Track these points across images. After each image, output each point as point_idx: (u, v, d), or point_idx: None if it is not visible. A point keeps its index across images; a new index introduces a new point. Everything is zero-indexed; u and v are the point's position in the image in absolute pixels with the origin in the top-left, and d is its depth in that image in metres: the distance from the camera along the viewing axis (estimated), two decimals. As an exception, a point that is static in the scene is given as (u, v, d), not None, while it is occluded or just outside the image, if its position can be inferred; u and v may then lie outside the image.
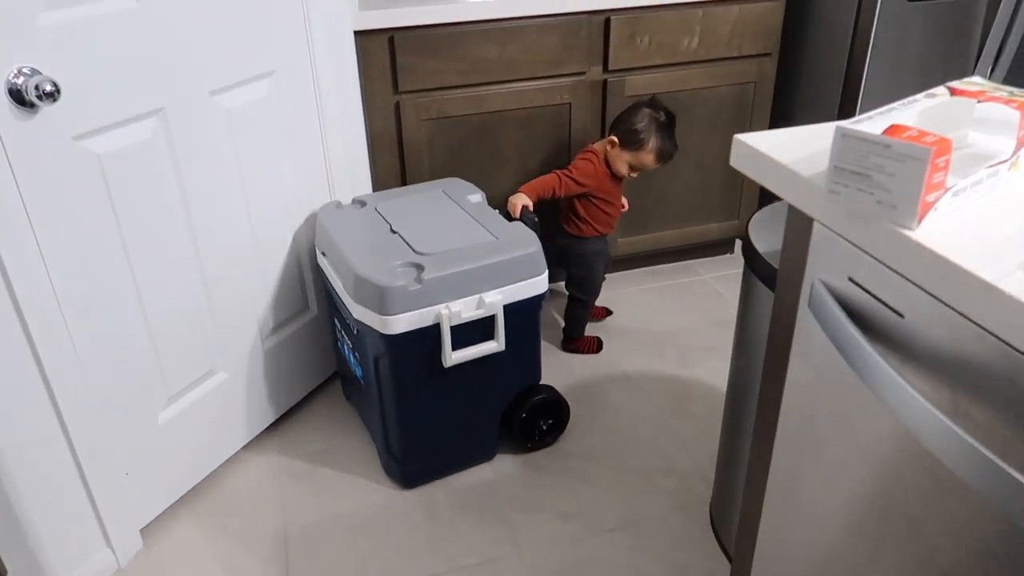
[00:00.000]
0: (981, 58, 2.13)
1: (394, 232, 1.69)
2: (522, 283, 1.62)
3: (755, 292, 1.37)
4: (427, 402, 1.66)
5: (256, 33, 1.62)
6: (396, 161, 2.08)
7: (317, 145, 1.86)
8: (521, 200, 1.90)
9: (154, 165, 1.48)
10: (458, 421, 1.72)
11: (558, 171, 1.98)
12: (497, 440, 1.81)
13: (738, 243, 2.64)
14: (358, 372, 1.76)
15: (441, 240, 1.64)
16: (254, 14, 1.61)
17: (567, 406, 1.86)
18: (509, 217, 1.85)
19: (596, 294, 2.16)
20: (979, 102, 0.85)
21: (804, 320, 0.94)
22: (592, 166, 1.99)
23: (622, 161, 1.98)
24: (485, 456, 1.82)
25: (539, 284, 1.65)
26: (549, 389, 1.82)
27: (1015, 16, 2.07)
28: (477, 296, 1.57)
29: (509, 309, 1.62)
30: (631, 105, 2.02)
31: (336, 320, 1.84)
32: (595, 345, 2.20)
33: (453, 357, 1.59)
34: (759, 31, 2.19)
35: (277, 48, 1.68)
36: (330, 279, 1.74)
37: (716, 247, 2.58)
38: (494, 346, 1.64)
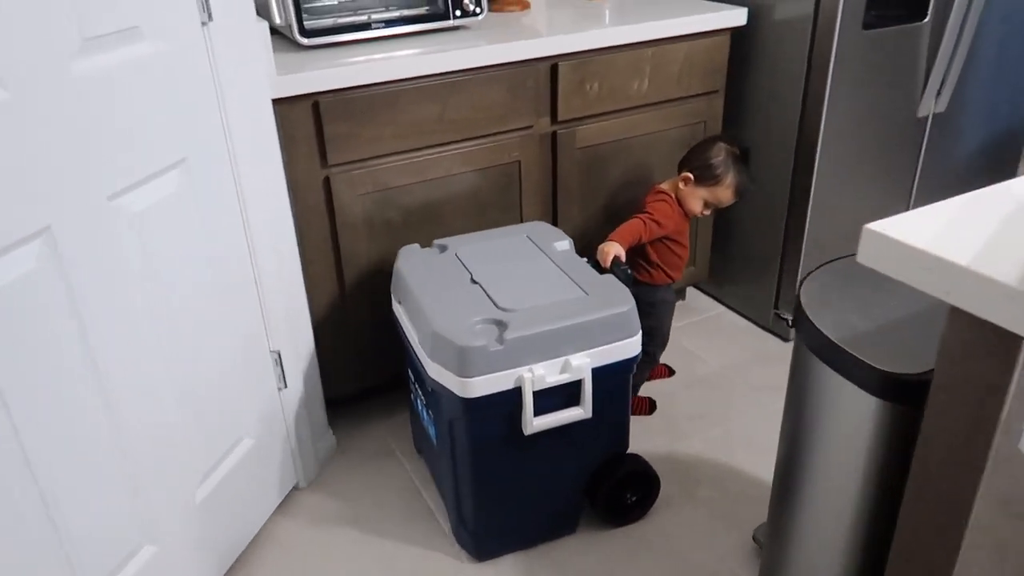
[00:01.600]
0: (928, 83, 2.08)
1: (475, 282, 1.56)
2: (613, 345, 1.47)
3: (826, 384, 1.17)
4: (505, 470, 1.53)
5: (160, 114, 1.28)
6: (329, 243, 1.77)
7: (240, 241, 1.52)
8: (614, 249, 1.73)
9: (42, 301, 1.11)
10: (538, 491, 1.58)
11: (639, 215, 1.83)
12: (579, 513, 1.67)
13: (688, 290, 2.48)
14: (431, 431, 1.63)
15: (526, 294, 1.50)
16: (156, 91, 1.27)
17: (657, 479, 1.70)
18: (598, 266, 1.68)
19: (665, 346, 1.99)
20: None
21: (1004, 462, 0.74)
22: (668, 207, 1.86)
23: (697, 198, 1.86)
24: (567, 529, 1.67)
25: (632, 346, 1.50)
26: (637, 459, 1.67)
27: (958, 44, 2.03)
28: (563, 359, 1.43)
29: (597, 373, 1.47)
30: (704, 139, 1.92)
31: (410, 371, 1.70)
32: (647, 407, 2.03)
33: (535, 424, 1.45)
34: (707, 68, 2.04)
35: (185, 128, 1.35)
36: (405, 330, 1.61)
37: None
38: (580, 413, 1.49)
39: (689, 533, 1.68)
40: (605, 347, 1.46)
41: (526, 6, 2.15)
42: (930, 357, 1.04)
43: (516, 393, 1.42)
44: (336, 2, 1.73)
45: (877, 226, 0.79)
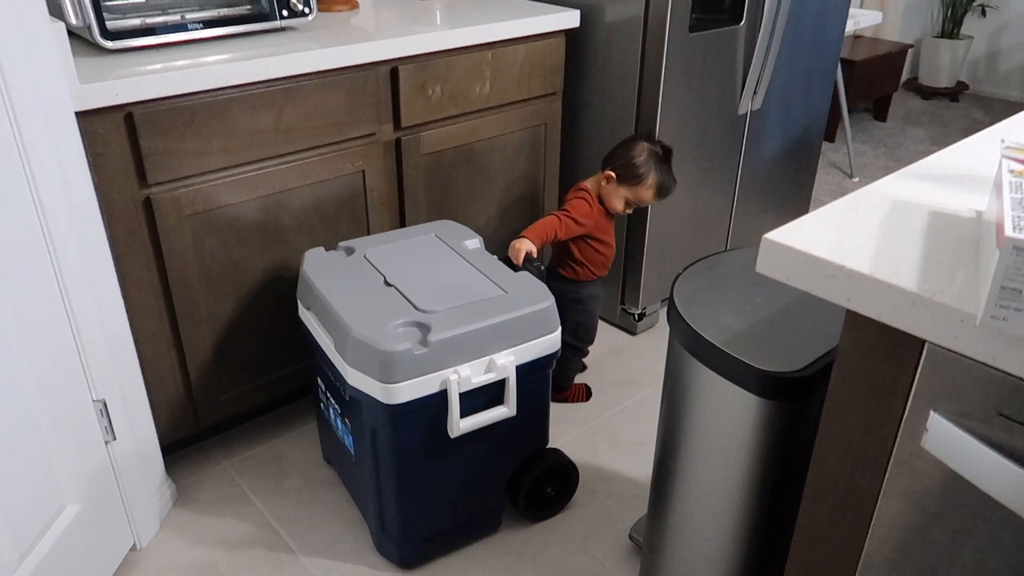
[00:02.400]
0: (746, 82, 2.20)
1: (389, 285, 1.49)
2: (535, 342, 1.46)
3: (700, 379, 1.18)
4: (429, 475, 1.47)
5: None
6: (154, 272, 1.57)
7: (48, 280, 1.30)
8: (525, 246, 1.70)
9: None
10: (462, 493, 1.54)
11: (556, 212, 1.81)
12: (502, 511, 1.64)
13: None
14: (347, 441, 1.55)
15: (444, 295, 1.45)
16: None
17: (576, 471, 1.71)
18: (510, 263, 1.65)
19: (592, 340, 2.03)
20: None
21: (908, 460, 0.76)
22: (587, 205, 1.83)
23: (619, 197, 1.84)
24: (489, 529, 1.64)
25: (552, 342, 1.49)
26: (557, 453, 1.67)
27: (769, 46, 2.17)
28: (488, 358, 1.40)
29: (520, 370, 1.45)
30: (626, 138, 1.89)
31: (320, 380, 1.61)
32: (583, 393, 2.06)
33: (461, 426, 1.41)
34: (545, 70, 2.04)
35: (-31, 153, 1.12)
36: (316, 337, 1.51)
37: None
38: (505, 411, 1.47)
39: (565, 537, 1.67)
40: (527, 344, 1.45)
41: (354, 6, 2.04)
42: (806, 354, 1.09)
43: (441, 396, 1.39)
44: (143, 0, 1.53)
45: (776, 236, 0.79)
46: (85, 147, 1.38)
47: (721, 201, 2.35)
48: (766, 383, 1.07)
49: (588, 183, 1.88)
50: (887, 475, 0.78)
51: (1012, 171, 0.72)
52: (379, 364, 1.33)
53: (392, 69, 1.76)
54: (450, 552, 1.61)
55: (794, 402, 1.08)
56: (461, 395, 1.39)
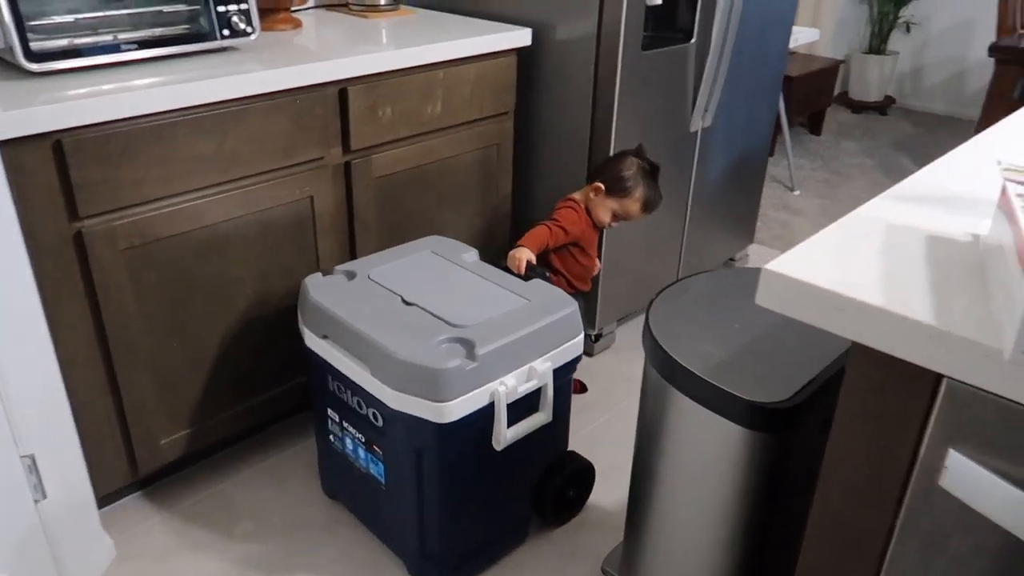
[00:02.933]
0: (697, 100, 2.19)
1: (409, 304, 1.47)
2: (565, 346, 1.48)
3: (681, 409, 1.14)
4: (472, 490, 1.47)
5: None
6: (87, 313, 1.45)
7: (-32, 324, 1.18)
8: (525, 254, 1.72)
9: None
10: (498, 504, 1.54)
11: (545, 222, 1.84)
12: (530, 519, 1.64)
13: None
14: (376, 470, 1.50)
15: (470, 309, 1.45)
16: None
17: (593, 470, 1.73)
18: (511, 273, 1.66)
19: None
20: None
21: (924, 499, 0.73)
22: (575, 213, 1.86)
23: (606, 209, 1.87)
24: (518, 539, 1.64)
25: (578, 345, 1.52)
26: (576, 456, 1.68)
27: (719, 64, 2.17)
28: (527, 367, 1.42)
29: (554, 375, 1.47)
30: (616, 153, 1.93)
31: (333, 413, 1.56)
32: (579, 386, 2.06)
33: (507, 436, 1.41)
34: (497, 89, 1.99)
35: None
36: (335, 365, 1.47)
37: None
38: (543, 418, 1.48)
39: (534, 570, 1.60)
40: (559, 349, 1.47)
41: (298, 24, 1.95)
42: (791, 381, 1.05)
43: (487, 409, 1.38)
44: (72, 19, 1.42)
45: (777, 267, 0.75)
46: (8, 179, 1.26)
47: (674, 218, 2.34)
48: (754, 414, 1.03)
49: (577, 195, 1.91)
50: (902, 515, 0.75)
51: (1021, 195, 0.70)
52: (430, 383, 1.31)
53: (341, 90, 1.68)
54: (488, 567, 1.60)
55: (781, 432, 1.05)
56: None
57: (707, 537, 1.20)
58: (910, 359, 0.68)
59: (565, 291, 1.83)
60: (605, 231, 2.03)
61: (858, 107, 4.86)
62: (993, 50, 2.90)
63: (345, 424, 1.54)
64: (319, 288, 1.52)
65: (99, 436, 1.54)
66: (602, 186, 1.85)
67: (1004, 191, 0.72)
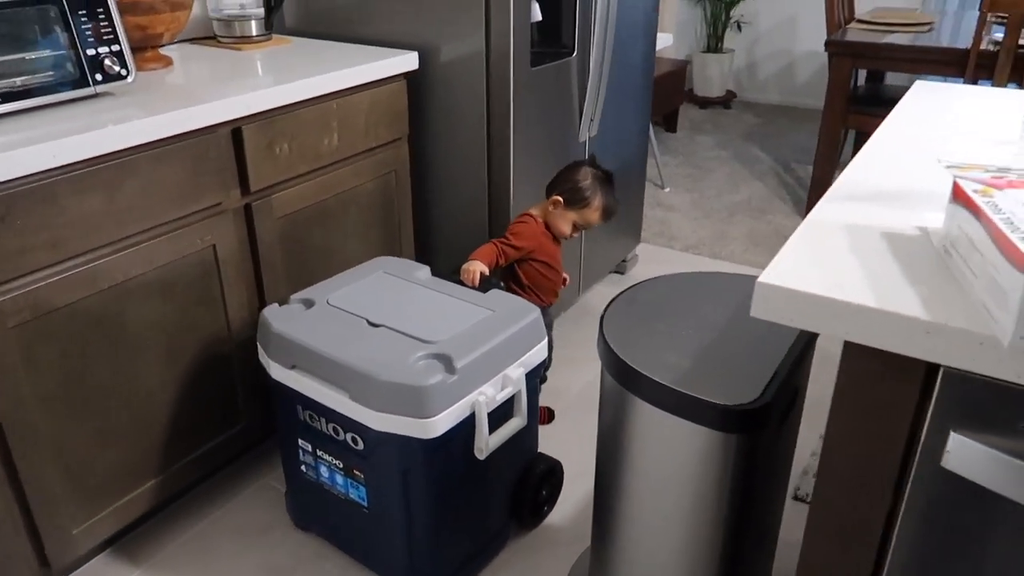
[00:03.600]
0: (584, 111, 2.24)
1: (376, 325, 1.47)
2: (532, 351, 1.52)
3: (648, 419, 1.16)
4: (458, 503, 1.49)
5: None
6: (-25, 403, 1.28)
7: None
8: (477, 267, 1.74)
9: None
10: (480, 514, 1.57)
11: (494, 240, 1.85)
12: (510, 525, 1.67)
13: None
14: (357, 495, 1.50)
15: (437, 324, 1.46)
16: None
17: (561, 467, 1.77)
18: (464, 286, 1.68)
19: (548, 366, 1.88)
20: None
21: (928, 481, 0.77)
22: (529, 227, 1.89)
23: (566, 220, 1.90)
24: (499, 545, 1.66)
25: (542, 349, 1.57)
26: (544, 456, 1.72)
27: (601, 75, 2.23)
28: (501, 375, 1.45)
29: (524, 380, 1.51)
30: (569, 164, 1.95)
31: (305, 443, 1.55)
32: (546, 416, 2.06)
33: (490, 444, 1.44)
34: (390, 116, 1.94)
35: None
36: (308, 395, 1.45)
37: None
38: (519, 422, 1.52)
39: (522, 573, 1.59)
40: (527, 355, 1.51)
41: (168, 62, 1.82)
42: (756, 380, 1.09)
43: (468, 421, 1.41)
44: (-76, 75, 1.25)
45: (770, 279, 0.77)
46: None
47: (572, 228, 2.38)
48: (727, 417, 1.06)
49: (534, 209, 1.94)
50: (905, 499, 0.79)
51: (978, 191, 0.76)
52: (414, 401, 1.32)
53: (234, 130, 1.58)
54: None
55: (752, 432, 1.09)
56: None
57: (679, 542, 1.22)
58: (910, 354, 0.72)
59: (538, 305, 1.90)
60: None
61: (704, 103, 5.16)
62: (826, 45, 3.16)
63: (319, 452, 1.53)
64: (280, 318, 1.50)
65: (2, 539, 1.36)
66: (560, 199, 1.88)
67: (960, 189, 0.78)
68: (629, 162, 2.64)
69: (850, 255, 0.83)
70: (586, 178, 1.89)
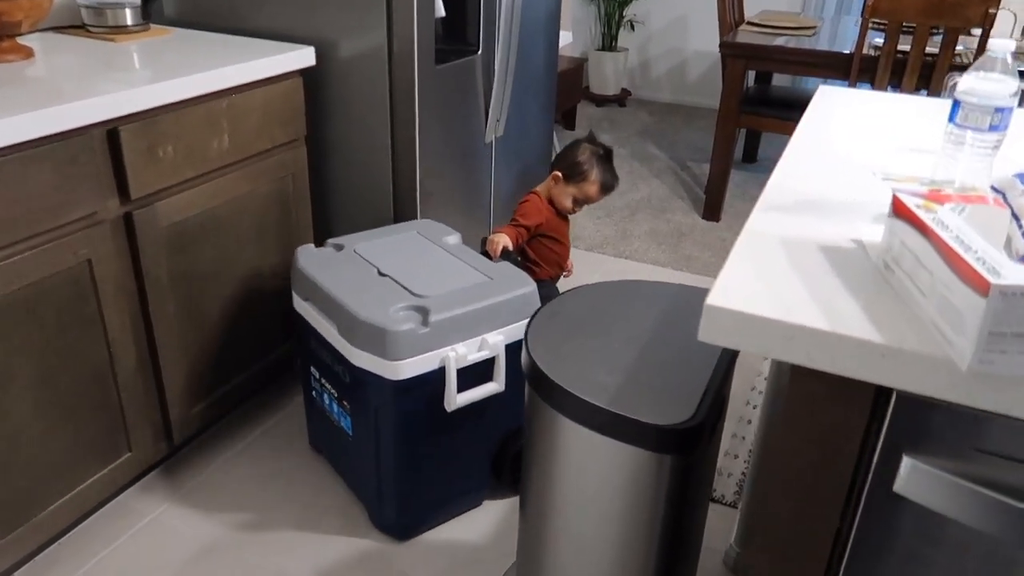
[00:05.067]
0: (490, 112, 2.18)
1: (383, 275, 1.61)
2: (520, 323, 1.57)
3: (579, 440, 1.11)
4: (426, 449, 1.59)
5: None
6: None
7: None
8: (502, 240, 1.88)
9: None
10: (454, 467, 1.65)
11: (511, 222, 2.00)
12: (486, 485, 1.74)
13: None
14: (345, 423, 1.66)
15: (436, 282, 1.58)
16: None
17: None
18: (488, 257, 1.79)
19: None
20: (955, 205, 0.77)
21: (880, 506, 0.75)
22: (533, 204, 2.02)
23: (567, 195, 2.03)
24: (475, 502, 1.75)
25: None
26: None
27: (507, 74, 2.17)
28: (480, 338, 1.54)
29: (507, 350, 1.58)
30: (570, 143, 2.07)
31: (315, 368, 1.72)
32: None
33: (458, 400, 1.53)
34: (286, 115, 1.81)
35: None
36: (314, 325, 1.64)
37: (278, 367, 2.10)
38: (495, 387, 1.59)
39: (485, 527, 1.66)
40: (514, 325, 1.57)
41: (28, 54, 1.63)
42: (689, 396, 1.06)
43: (439, 374, 1.50)
44: None
45: (718, 301, 0.73)
46: None
47: (478, 230, 2.31)
48: (662, 437, 1.02)
49: (539, 187, 2.09)
50: (856, 524, 0.77)
51: (920, 207, 0.74)
52: (385, 343, 1.44)
53: (110, 131, 1.42)
54: (441, 523, 1.70)
55: (687, 451, 1.05)
56: (457, 372, 1.51)
57: (608, 562, 1.18)
58: (866, 378, 0.69)
59: (544, 277, 2.06)
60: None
61: (600, 101, 5.20)
62: (721, 47, 3.23)
63: (323, 381, 1.69)
64: (308, 258, 1.68)
65: None
66: (560, 174, 2.03)
67: (901, 203, 0.76)
68: (535, 162, 2.59)
69: (792, 272, 0.80)
70: (584, 153, 2.02)
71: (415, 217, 1.98)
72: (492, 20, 2.09)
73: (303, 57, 1.82)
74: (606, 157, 2.06)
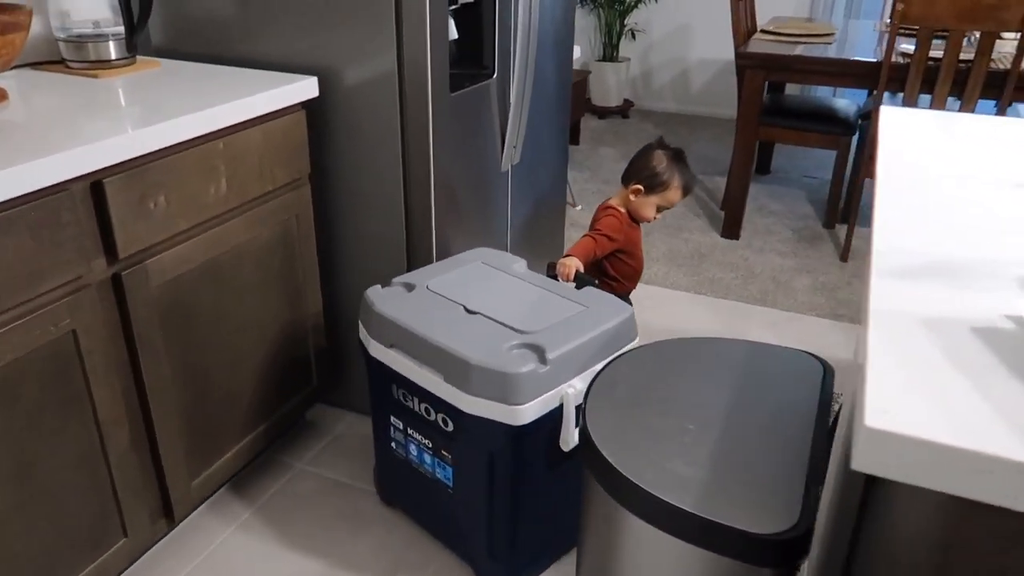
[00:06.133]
0: (507, 139, 2.02)
1: (472, 312, 1.52)
2: (624, 349, 1.50)
3: (650, 546, 0.94)
4: (539, 493, 1.51)
5: None
6: None
7: None
8: (574, 263, 1.82)
9: None
10: (558, 506, 1.55)
11: (589, 233, 1.94)
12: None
13: (311, 411, 2.05)
14: (443, 475, 1.54)
15: (532, 316, 1.50)
16: None
17: None
18: (558, 281, 1.73)
19: None
20: None
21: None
22: (616, 220, 1.97)
23: (650, 206, 1.98)
24: (573, 541, 1.55)
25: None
26: None
27: (523, 99, 2.01)
28: (591, 370, 1.44)
29: None
30: (640, 151, 2.03)
31: (397, 420, 1.60)
32: None
33: (575, 437, 1.43)
34: (288, 153, 1.64)
35: None
36: (404, 374, 1.51)
37: (285, 423, 1.92)
38: None
39: None
40: (619, 352, 1.47)
41: (2, 96, 1.46)
42: (788, 498, 0.89)
43: (555, 412, 1.42)
44: None
45: (881, 423, 0.57)
46: None
47: (498, 266, 2.15)
48: (762, 548, 0.86)
49: (613, 200, 2.03)
50: None
51: None
52: (506, 388, 1.36)
53: (94, 184, 1.25)
54: (548, 566, 1.61)
55: (790, 564, 0.89)
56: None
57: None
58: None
59: (622, 291, 2.00)
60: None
61: (603, 112, 5.05)
62: (738, 57, 3.08)
63: (410, 431, 1.57)
64: (383, 300, 1.56)
65: None
66: (641, 187, 1.96)
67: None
68: (550, 187, 2.43)
69: (955, 372, 0.63)
70: (661, 162, 1.96)
71: (431, 256, 1.81)
72: (507, 40, 1.93)
73: (305, 88, 1.65)
74: (681, 159, 2.01)
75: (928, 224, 0.93)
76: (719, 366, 1.12)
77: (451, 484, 1.53)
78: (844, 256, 3.07)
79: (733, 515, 0.86)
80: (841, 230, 3.33)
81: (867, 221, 3.40)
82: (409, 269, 1.84)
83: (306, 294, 1.80)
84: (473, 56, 1.91)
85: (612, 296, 1.60)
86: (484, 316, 1.49)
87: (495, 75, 1.92)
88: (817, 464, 0.93)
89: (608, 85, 5.00)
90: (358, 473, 1.89)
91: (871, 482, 0.63)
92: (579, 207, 3.56)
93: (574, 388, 1.42)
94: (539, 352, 1.39)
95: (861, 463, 0.58)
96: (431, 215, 1.77)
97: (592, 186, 3.84)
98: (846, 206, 3.31)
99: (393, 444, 1.63)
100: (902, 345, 0.68)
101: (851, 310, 2.73)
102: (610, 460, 0.93)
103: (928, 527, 0.62)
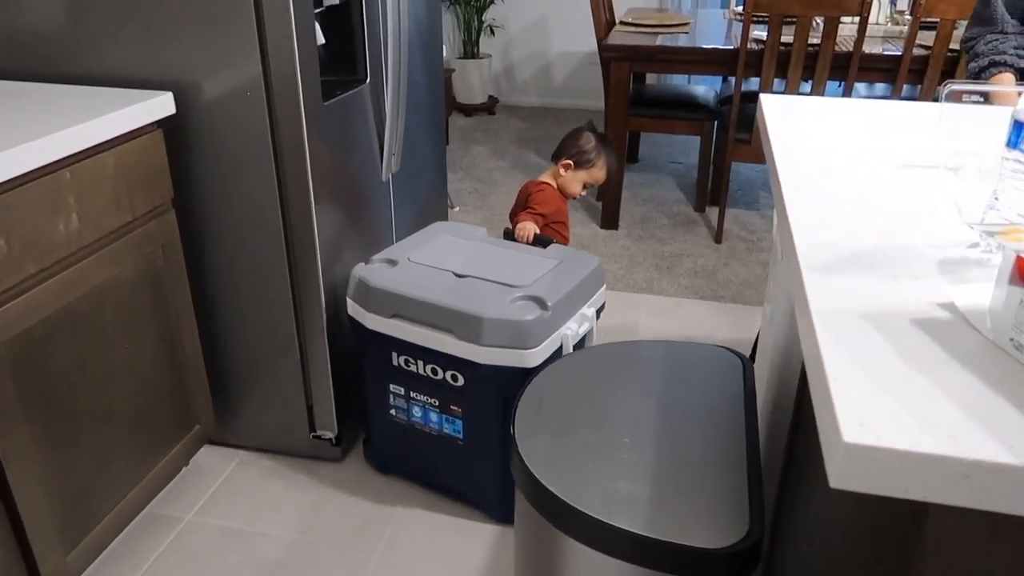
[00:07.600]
0: (385, 147, 1.92)
1: (463, 276, 1.65)
2: (597, 294, 1.74)
3: (583, 566, 0.89)
4: None
5: None
6: None
7: None
8: (531, 227, 1.99)
9: None
10: None
11: (526, 213, 2.08)
12: None
13: (196, 457, 1.88)
14: (452, 428, 1.66)
15: (519, 274, 1.65)
16: None
17: None
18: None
19: None
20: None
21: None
22: (547, 194, 2.13)
23: (577, 181, 2.17)
24: None
25: (603, 293, 1.77)
26: None
27: (399, 104, 1.92)
28: (579, 313, 1.64)
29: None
30: (571, 132, 2.23)
31: (396, 387, 1.71)
32: None
33: None
34: (147, 177, 1.48)
35: None
36: (410, 339, 1.61)
37: (168, 473, 1.75)
38: None
39: None
40: (595, 296, 1.73)
41: None
42: (732, 513, 0.87)
43: (558, 353, 1.58)
44: None
45: (858, 438, 0.54)
46: None
47: (386, 279, 2.05)
48: (713, 564, 0.83)
49: (545, 177, 2.21)
50: None
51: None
52: (518, 335, 1.49)
53: (-86, 233, 1.07)
54: None
55: (746, 573, 0.87)
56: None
57: None
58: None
59: None
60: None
61: (469, 110, 5.00)
62: (602, 49, 3.11)
63: (412, 394, 1.69)
64: (376, 275, 1.65)
65: None
66: (571, 162, 2.15)
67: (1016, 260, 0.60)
68: (430, 191, 2.35)
69: (910, 370, 0.62)
70: (590, 141, 2.16)
71: (317, 278, 1.70)
72: (377, 44, 1.84)
73: (159, 105, 1.50)
74: (606, 141, 2.22)
75: (838, 214, 0.94)
76: (642, 370, 1.10)
77: (461, 436, 1.65)
78: (718, 238, 3.18)
79: (684, 532, 0.83)
80: (712, 212, 3.44)
81: (736, 203, 3.54)
82: (294, 291, 1.71)
83: (181, 332, 1.65)
84: (343, 61, 1.80)
85: (577, 250, 1.79)
86: (475, 278, 1.63)
87: (368, 80, 1.83)
88: (756, 465, 0.92)
89: (472, 83, 4.96)
90: (255, 515, 1.75)
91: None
92: (456, 208, 3.49)
93: (571, 330, 1.61)
94: (540, 301, 1.55)
95: (840, 481, 0.55)
96: (314, 234, 1.66)
97: (468, 186, 3.79)
98: (714, 188, 3.43)
99: (393, 411, 1.74)
100: (851, 346, 0.66)
101: (731, 291, 2.82)
102: (549, 488, 0.88)
103: (930, 529, 0.60)
